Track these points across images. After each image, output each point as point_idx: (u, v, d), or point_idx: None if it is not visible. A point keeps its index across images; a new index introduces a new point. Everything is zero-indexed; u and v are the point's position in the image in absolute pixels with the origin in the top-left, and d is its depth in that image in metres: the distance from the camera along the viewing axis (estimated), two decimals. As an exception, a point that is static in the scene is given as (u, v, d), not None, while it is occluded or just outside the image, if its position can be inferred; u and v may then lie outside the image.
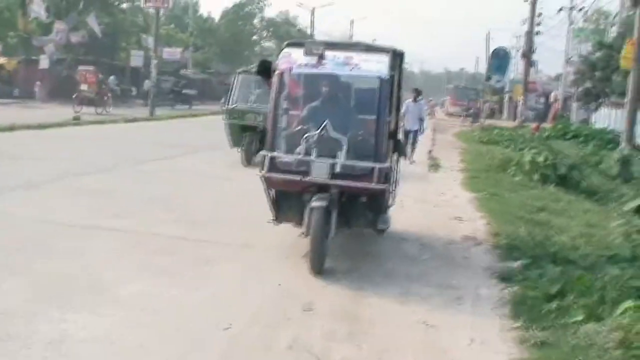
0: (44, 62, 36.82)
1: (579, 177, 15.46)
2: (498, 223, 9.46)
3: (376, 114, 6.78)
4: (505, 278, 6.70)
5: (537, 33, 46.06)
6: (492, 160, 18.53)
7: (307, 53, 6.75)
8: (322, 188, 6.60)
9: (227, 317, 5.25)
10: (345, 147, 6.53)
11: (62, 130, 20.47)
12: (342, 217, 6.84)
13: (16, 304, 5.22)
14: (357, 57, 6.83)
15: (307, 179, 6.55)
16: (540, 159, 16.04)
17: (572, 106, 46.72)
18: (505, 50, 29.19)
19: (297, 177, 6.58)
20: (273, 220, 7.23)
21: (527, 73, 45.38)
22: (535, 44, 44.01)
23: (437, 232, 8.90)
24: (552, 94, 54.17)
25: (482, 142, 26.88)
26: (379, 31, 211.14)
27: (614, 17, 44.21)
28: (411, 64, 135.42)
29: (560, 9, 50.42)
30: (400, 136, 8.41)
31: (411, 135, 17.84)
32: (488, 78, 29.16)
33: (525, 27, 46.85)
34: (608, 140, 27.11)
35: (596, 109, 37.48)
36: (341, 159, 6.51)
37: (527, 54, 44.91)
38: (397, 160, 8.20)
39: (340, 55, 6.84)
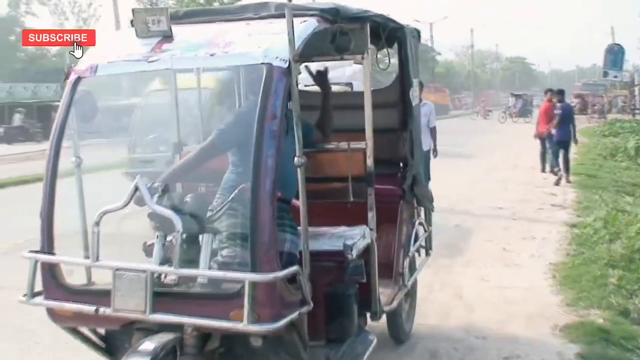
0: None
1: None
2: (584, 195, 11.83)
3: (254, 145, 2.99)
4: (573, 225, 9.24)
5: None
6: (604, 150, 20.47)
7: (140, 33, 3.41)
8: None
9: None
10: (179, 232, 3.10)
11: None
12: None
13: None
14: (239, 31, 3.40)
15: (106, 313, 3.16)
16: (642, 143, 17.98)
17: None
18: (619, 45, 30.26)
19: (91, 308, 3.22)
20: None
21: (652, 64, 45.43)
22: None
23: (532, 203, 11.40)
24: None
25: (604, 136, 28.26)
26: (501, 39, 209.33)
27: None
28: (539, 65, 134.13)
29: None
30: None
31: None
32: (605, 74, 30.37)
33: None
34: None
35: None
36: (175, 263, 3.10)
37: (651, 45, 45.02)
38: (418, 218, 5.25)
39: (209, 31, 3.48)
